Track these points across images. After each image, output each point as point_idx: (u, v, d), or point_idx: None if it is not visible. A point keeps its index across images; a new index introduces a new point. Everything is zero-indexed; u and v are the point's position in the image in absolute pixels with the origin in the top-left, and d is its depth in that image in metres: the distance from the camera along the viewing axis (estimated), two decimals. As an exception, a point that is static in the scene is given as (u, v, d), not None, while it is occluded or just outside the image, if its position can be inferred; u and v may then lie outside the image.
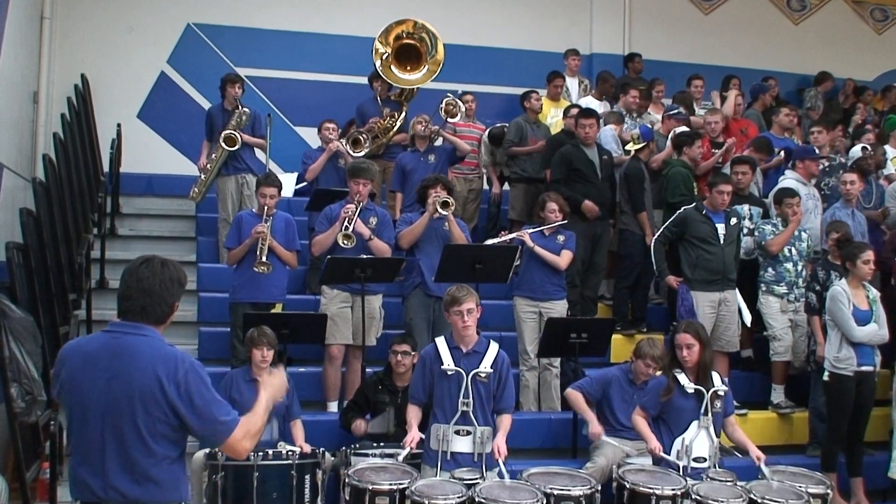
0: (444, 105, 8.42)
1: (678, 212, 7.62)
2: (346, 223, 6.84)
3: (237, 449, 3.38)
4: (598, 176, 8.24)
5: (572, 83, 11.27)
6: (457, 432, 5.28)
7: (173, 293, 3.39)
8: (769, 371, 7.67)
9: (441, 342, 5.44)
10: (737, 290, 7.49)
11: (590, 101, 10.30)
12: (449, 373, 5.31)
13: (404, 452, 5.29)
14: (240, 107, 8.87)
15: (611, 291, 8.99)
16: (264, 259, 6.78)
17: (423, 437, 5.41)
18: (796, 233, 7.58)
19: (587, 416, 6.29)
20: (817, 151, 8.68)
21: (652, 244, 7.58)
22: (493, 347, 5.44)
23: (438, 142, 8.84)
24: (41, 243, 6.76)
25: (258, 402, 3.53)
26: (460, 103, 8.64)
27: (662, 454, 5.57)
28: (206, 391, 3.29)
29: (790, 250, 7.53)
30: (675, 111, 9.53)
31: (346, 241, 6.81)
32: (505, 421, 5.42)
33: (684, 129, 9.10)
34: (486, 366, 5.34)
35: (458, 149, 8.65)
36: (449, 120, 8.56)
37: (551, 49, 12.33)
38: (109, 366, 3.25)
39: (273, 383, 3.66)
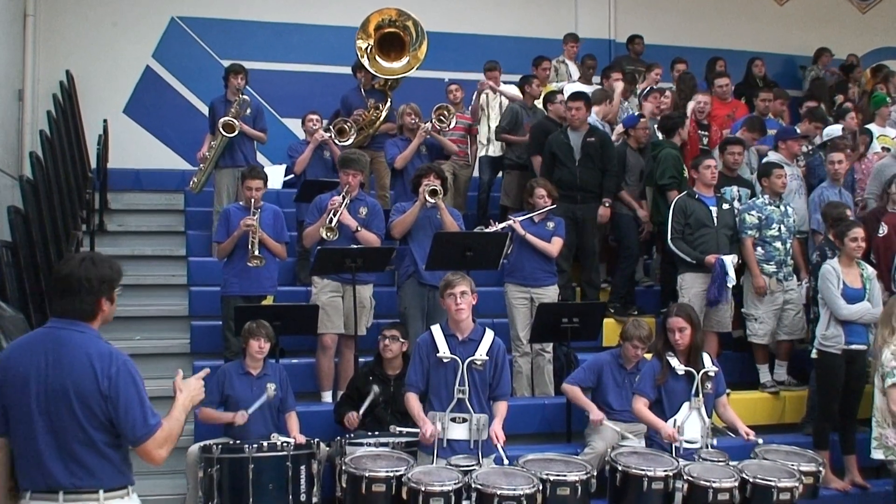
0: (435, 112, 8.77)
1: (672, 204, 7.62)
2: (330, 215, 6.85)
3: (153, 455, 3.36)
4: (575, 160, 8.21)
5: (573, 67, 11.30)
6: (453, 420, 5.28)
7: (93, 291, 3.37)
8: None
9: (437, 330, 5.45)
10: (731, 256, 7.36)
11: (577, 87, 10.28)
12: (445, 360, 5.32)
13: (435, 451, 5.21)
14: (240, 95, 8.83)
15: (602, 276, 9.01)
16: (256, 252, 6.77)
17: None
18: (783, 208, 7.58)
19: (587, 406, 6.32)
20: (798, 131, 8.71)
21: (671, 245, 7.51)
22: (489, 335, 5.44)
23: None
24: (30, 241, 6.75)
25: (175, 406, 3.51)
26: (453, 111, 9.00)
27: (679, 437, 5.50)
28: (134, 390, 3.32)
29: (779, 228, 7.50)
30: (649, 91, 9.58)
31: (329, 234, 6.82)
32: (501, 408, 5.43)
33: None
34: (481, 353, 5.35)
35: (444, 148, 8.90)
36: (438, 125, 8.78)
37: (537, 35, 12.36)
38: (47, 358, 3.31)
39: (188, 384, 3.61)
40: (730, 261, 7.24)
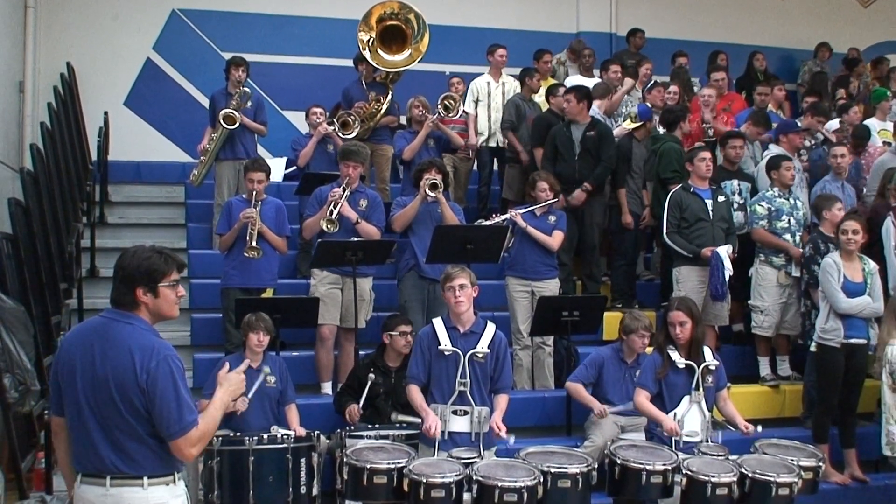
0: (441, 101, 8.87)
1: (668, 196, 7.60)
2: (330, 207, 6.85)
3: (184, 453, 3.40)
4: (575, 154, 8.20)
5: (572, 69, 11.28)
6: (454, 412, 5.28)
7: (126, 281, 3.45)
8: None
9: (438, 323, 5.45)
10: (726, 246, 7.30)
11: (577, 80, 10.26)
12: (446, 353, 5.32)
13: (437, 442, 5.19)
14: (241, 87, 8.81)
15: (603, 269, 9.00)
16: (254, 244, 6.78)
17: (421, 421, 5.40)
18: (792, 201, 7.58)
19: (590, 403, 6.32)
20: (799, 125, 8.70)
21: (666, 239, 7.49)
22: (491, 328, 5.45)
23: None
24: (31, 233, 6.74)
25: (213, 403, 3.57)
26: (459, 100, 9.06)
27: (681, 430, 5.50)
28: (172, 386, 3.35)
29: (789, 220, 7.48)
30: (651, 84, 9.57)
31: (329, 227, 6.83)
32: (502, 401, 5.43)
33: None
34: (483, 346, 5.35)
35: (451, 141, 8.98)
36: (443, 114, 8.84)
37: (538, 28, 12.35)
38: (94, 347, 3.41)
39: (230, 379, 3.69)
40: (724, 252, 7.21)
